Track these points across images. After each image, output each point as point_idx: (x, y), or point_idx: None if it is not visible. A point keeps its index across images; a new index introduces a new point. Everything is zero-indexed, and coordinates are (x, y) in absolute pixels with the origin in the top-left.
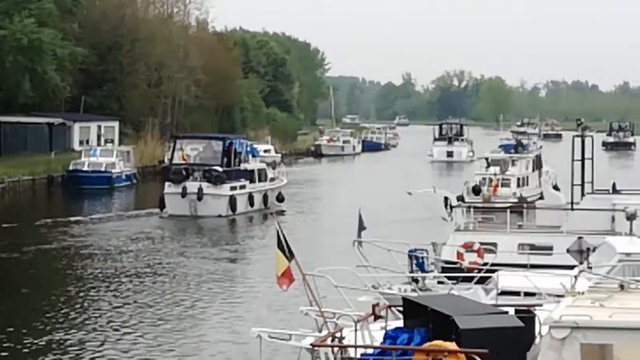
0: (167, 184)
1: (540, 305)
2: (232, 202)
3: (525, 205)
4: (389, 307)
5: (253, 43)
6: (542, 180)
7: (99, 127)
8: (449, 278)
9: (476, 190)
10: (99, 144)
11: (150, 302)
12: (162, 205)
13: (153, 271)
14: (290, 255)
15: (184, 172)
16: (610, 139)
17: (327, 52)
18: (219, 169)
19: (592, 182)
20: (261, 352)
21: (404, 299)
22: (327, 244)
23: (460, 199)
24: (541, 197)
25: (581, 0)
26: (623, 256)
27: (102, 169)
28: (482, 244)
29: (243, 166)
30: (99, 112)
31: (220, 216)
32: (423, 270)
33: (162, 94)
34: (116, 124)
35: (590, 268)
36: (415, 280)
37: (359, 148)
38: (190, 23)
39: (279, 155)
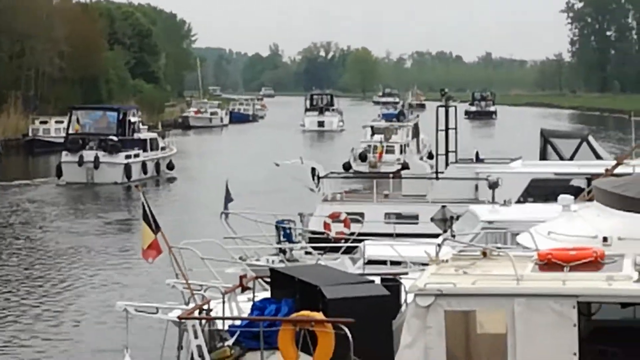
0: (64, 152)
1: (406, 273)
2: (127, 170)
3: (391, 175)
4: (257, 278)
5: (118, 14)
6: (407, 150)
7: None
8: (316, 248)
9: (363, 157)
10: None
11: (17, 276)
12: (59, 173)
13: (32, 240)
14: (156, 227)
15: (80, 142)
16: (473, 109)
17: (194, 23)
18: (115, 138)
19: (455, 151)
20: (128, 325)
21: (272, 270)
22: (194, 216)
23: (348, 165)
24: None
25: None
26: (485, 224)
27: None
28: (348, 214)
29: (136, 136)
30: None
31: (116, 183)
32: (290, 241)
33: (25, 66)
34: None
35: (454, 236)
36: (283, 251)
37: (226, 120)
38: None
39: (146, 127)
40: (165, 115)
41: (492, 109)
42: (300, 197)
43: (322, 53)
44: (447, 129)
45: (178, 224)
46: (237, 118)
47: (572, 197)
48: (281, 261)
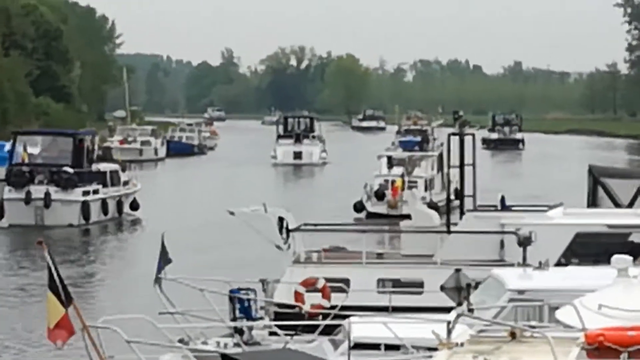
0: (6, 188)
1: None
2: (85, 209)
3: (387, 227)
4: None
5: (16, 9)
6: (409, 193)
7: None
8: (284, 327)
9: (379, 195)
10: None
11: None
12: (0, 214)
13: None
14: (67, 299)
15: (27, 174)
16: (494, 136)
17: (119, 21)
18: (69, 170)
19: (474, 195)
20: None
21: (223, 356)
22: (119, 282)
23: (360, 206)
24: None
25: None
26: (515, 294)
27: None
28: (328, 280)
29: (95, 167)
30: None
31: (71, 226)
32: (249, 318)
33: None
34: None
35: (472, 310)
36: (239, 331)
37: (162, 151)
38: None
39: None
40: None
41: (518, 136)
42: (263, 257)
43: (293, 62)
44: (462, 165)
45: (92, 296)
46: (177, 149)
47: (631, 258)
48: (236, 344)
